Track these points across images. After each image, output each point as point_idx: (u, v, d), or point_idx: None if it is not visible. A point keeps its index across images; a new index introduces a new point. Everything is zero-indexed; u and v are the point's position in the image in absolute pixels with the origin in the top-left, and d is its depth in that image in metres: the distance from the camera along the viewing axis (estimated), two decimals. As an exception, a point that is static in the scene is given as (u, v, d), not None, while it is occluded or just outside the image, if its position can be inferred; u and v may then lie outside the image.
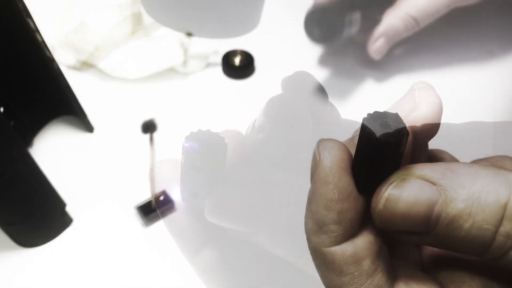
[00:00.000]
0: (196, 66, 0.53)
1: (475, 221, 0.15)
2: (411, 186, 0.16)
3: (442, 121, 0.21)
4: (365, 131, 0.16)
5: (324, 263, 0.17)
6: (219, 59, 0.54)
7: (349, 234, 0.17)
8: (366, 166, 0.17)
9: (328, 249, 0.17)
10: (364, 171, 0.17)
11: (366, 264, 0.17)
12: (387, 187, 0.16)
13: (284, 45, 0.58)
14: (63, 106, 0.46)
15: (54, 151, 0.46)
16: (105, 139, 0.47)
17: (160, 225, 0.41)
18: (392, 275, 0.17)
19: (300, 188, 0.19)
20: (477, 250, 0.16)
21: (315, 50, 0.57)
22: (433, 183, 0.16)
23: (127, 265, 0.39)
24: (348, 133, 0.21)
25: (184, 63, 0.52)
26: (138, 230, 0.41)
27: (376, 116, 0.16)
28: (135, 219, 0.42)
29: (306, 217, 0.17)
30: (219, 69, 0.54)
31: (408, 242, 0.19)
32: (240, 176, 0.20)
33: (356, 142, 0.17)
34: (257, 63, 0.55)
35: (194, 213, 0.22)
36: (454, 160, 0.22)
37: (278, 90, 0.23)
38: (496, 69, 0.56)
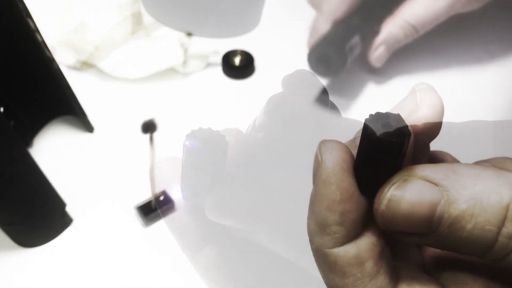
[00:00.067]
0: (196, 66, 0.53)
1: (477, 222, 0.15)
2: (413, 187, 0.16)
3: (443, 120, 0.21)
4: (367, 132, 0.16)
5: (326, 265, 0.17)
6: (219, 59, 0.54)
7: (352, 235, 0.17)
8: (368, 166, 0.17)
9: (330, 250, 0.17)
10: (366, 172, 0.17)
11: (369, 265, 0.17)
12: (389, 188, 0.16)
13: (284, 45, 0.58)
14: (63, 106, 0.46)
15: (54, 151, 0.46)
16: (105, 139, 0.47)
17: (160, 225, 0.41)
18: (395, 276, 0.17)
19: (300, 186, 0.19)
20: (479, 251, 0.16)
21: (315, 50, 0.57)
22: (435, 184, 0.16)
23: (127, 265, 0.39)
24: (348, 132, 0.21)
25: (184, 63, 0.52)
26: (138, 230, 0.41)
27: (378, 116, 0.16)
28: (135, 219, 0.42)
29: (309, 218, 0.17)
30: (219, 69, 0.54)
31: (411, 243, 0.19)
32: (241, 174, 0.20)
33: (358, 143, 0.17)
34: (257, 63, 0.55)
35: (194, 212, 0.22)
36: (455, 161, 0.22)
37: (278, 90, 0.23)
38: (496, 69, 0.56)
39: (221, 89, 0.53)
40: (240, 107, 0.50)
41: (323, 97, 0.22)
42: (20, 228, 0.38)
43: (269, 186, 0.20)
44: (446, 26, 0.52)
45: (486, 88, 0.54)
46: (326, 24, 0.51)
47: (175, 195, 0.23)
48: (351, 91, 0.53)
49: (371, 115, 0.16)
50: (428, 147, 0.21)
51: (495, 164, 0.20)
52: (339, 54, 0.48)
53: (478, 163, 0.21)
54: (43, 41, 0.40)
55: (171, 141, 0.35)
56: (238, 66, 0.54)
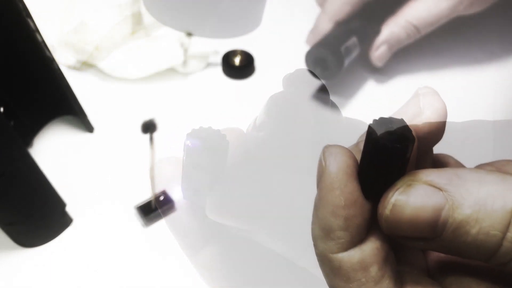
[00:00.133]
0: (196, 66, 0.53)
1: (481, 227, 0.15)
2: (417, 192, 0.16)
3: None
4: (371, 137, 0.16)
5: (331, 270, 0.17)
6: (219, 59, 0.54)
7: (356, 240, 0.17)
8: (372, 172, 0.17)
9: (335, 255, 0.17)
10: (370, 177, 0.17)
11: (374, 270, 0.17)
12: (394, 193, 0.16)
13: (284, 45, 0.58)
14: (63, 106, 0.46)
15: (54, 151, 0.46)
16: (105, 139, 0.47)
17: (160, 225, 0.41)
18: (399, 281, 0.17)
19: (301, 185, 0.19)
20: (483, 256, 0.16)
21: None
22: (440, 189, 0.16)
23: (127, 265, 0.39)
24: (349, 131, 0.21)
25: (184, 63, 0.52)
26: (138, 230, 0.41)
27: (382, 122, 0.16)
28: (135, 219, 0.42)
29: (313, 223, 0.17)
30: (219, 69, 0.54)
31: (415, 247, 0.19)
32: (242, 174, 0.20)
33: (361, 147, 0.17)
34: (257, 63, 0.55)
35: (195, 211, 0.22)
36: (459, 164, 0.22)
37: (279, 90, 0.23)
38: (496, 69, 0.56)
39: (221, 89, 0.53)
40: (240, 107, 0.50)
41: (324, 97, 0.22)
42: (20, 228, 0.38)
43: (270, 185, 0.20)
44: (446, 26, 0.52)
45: (486, 88, 0.54)
46: (328, 24, 0.51)
47: (175, 195, 0.23)
48: (353, 90, 0.53)
49: (375, 120, 0.16)
50: (432, 150, 0.21)
51: (499, 167, 0.20)
52: (335, 57, 0.48)
53: (481, 166, 0.21)
54: (43, 41, 0.40)
55: (171, 141, 0.35)
56: (238, 66, 0.54)
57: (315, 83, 0.22)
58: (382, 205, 0.17)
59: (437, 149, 0.22)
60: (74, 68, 0.53)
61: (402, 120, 0.16)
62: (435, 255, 0.20)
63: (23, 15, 0.38)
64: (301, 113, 0.21)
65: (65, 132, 0.48)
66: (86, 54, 0.52)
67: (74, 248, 0.40)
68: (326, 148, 0.17)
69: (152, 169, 0.37)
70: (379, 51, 0.51)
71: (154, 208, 0.41)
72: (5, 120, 0.34)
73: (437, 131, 0.19)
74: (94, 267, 0.39)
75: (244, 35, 0.58)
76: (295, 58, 0.56)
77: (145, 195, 0.42)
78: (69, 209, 0.41)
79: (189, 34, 0.53)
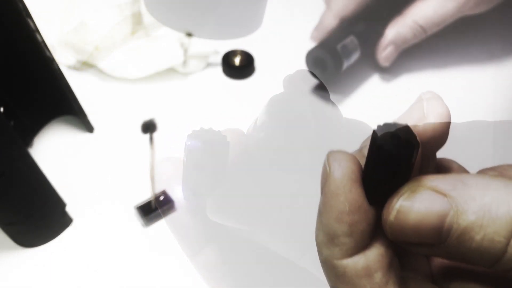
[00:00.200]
0: (196, 66, 0.53)
1: (486, 233, 0.15)
2: (422, 198, 0.16)
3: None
4: (375, 143, 0.16)
5: (335, 276, 0.17)
6: (219, 59, 0.54)
7: (361, 246, 0.17)
8: (377, 177, 0.17)
9: (339, 261, 0.17)
10: (374, 183, 0.17)
11: (378, 276, 0.17)
12: (398, 199, 0.16)
13: (284, 45, 0.58)
14: (63, 106, 0.46)
15: (54, 151, 0.46)
16: (105, 139, 0.47)
17: (160, 225, 0.41)
18: (403, 287, 0.17)
19: (302, 186, 0.19)
20: (488, 262, 0.16)
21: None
22: (444, 195, 0.16)
23: (127, 265, 0.39)
24: (349, 132, 0.21)
25: (184, 63, 0.52)
26: (138, 230, 0.41)
27: (386, 127, 0.16)
28: (135, 219, 0.42)
29: (317, 229, 0.17)
30: (219, 69, 0.54)
31: (419, 253, 0.19)
32: (242, 174, 0.20)
33: (365, 153, 0.17)
34: (257, 63, 0.55)
35: (195, 212, 0.22)
36: (462, 169, 0.22)
37: (278, 90, 0.23)
38: (496, 69, 0.56)
39: (221, 89, 0.53)
40: (240, 107, 0.50)
41: (324, 97, 0.22)
42: (20, 228, 0.38)
43: (270, 186, 0.20)
44: (446, 26, 0.52)
45: (486, 88, 0.54)
46: (333, 20, 0.51)
47: (175, 195, 0.23)
48: (356, 88, 0.53)
49: (379, 126, 0.16)
50: (435, 155, 0.21)
51: (502, 171, 0.20)
52: (332, 55, 0.48)
53: (484, 171, 0.21)
54: (43, 41, 0.40)
55: (171, 141, 0.35)
56: (238, 66, 0.54)
57: (316, 84, 0.22)
58: (387, 211, 0.17)
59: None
60: (74, 68, 0.53)
61: (406, 125, 0.16)
62: (439, 261, 0.20)
63: (23, 15, 0.38)
64: (301, 114, 0.21)
65: (65, 132, 0.48)
66: (86, 54, 0.51)
67: (74, 248, 0.40)
68: (330, 153, 0.17)
69: (152, 169, 0.37)
70: (386, 51, 0.51)
71: (154, 208, 0.41)
72: (5, 120, 0.34)
73: (441, 136, 0.19)
74: (94, 267, 0.39)
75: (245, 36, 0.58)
76: (295, 58, 0.56)
77: (145, 195, 0.41)
78: (69, 209, 0.41)
79: (189, 35, 0.53)
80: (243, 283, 0.23)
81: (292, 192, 0.20)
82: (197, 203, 0.21)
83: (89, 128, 0.48)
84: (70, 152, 0.46)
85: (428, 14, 0.50)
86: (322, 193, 0.17)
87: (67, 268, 0.39)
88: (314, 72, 0.53)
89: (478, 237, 0.15)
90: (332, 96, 0.21)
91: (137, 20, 0.54)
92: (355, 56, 0.50)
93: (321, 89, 0.22)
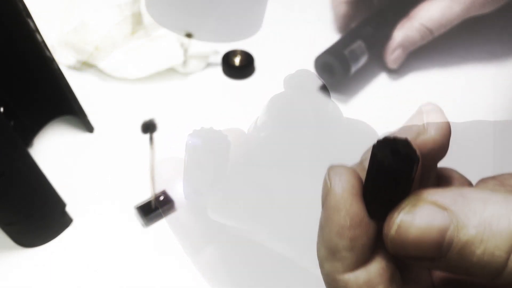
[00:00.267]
0: (196, 66, 0.53)
1: (486, 247, 0.15)
2: (422, 212, 0.16)
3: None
4: (376, 158, 0.16)
5: None
6: (219, 59, 0.54)
7: (362, 261, 0.17)
8: (377, 192, 0.17)
9: (341, 276, 0.17)
10: (375, 197, 0.17)
11: None
12: (399, 213, 0.16)
13: (284, 45, 0.58)
14: (63, 106, 0.46)
15: (54, 151, 0.46)
16: (105, 139, 0.47)
17: (160, 225, 0.41)
18: None
19: (302, 185, 0.19)
20: (489, 276, 0.16)
21: (314, 51, 0.57)
22: (445, 209, 0.16)
23: (127, 265, 0.39)
24: (350, 132, 0.21)
25: (184, 63, 0.52)
26: (138, 230, 0.41)
27: (386, 142, 0.16)
28: (135, 219, 0.42)
29: (318, 243, 0.18)
30: (219, 69, 0.54)
31: (420, 266, 0.19)
32: (243, 174, 0.20)
33: (365, 166, 0.17)
34: (257, 63, 0.55)
35: (196, 212, 0.22)
36: (463, 178, 0.22)
37: (279, 90, 0.23)
38: (496, 69, 0.56)
39: (221, 89, 0.53)
40: (240, 107, 0.50)
41: (325, 97, 0.22)
42: (20, 228, 0.38)
43: (271, 185, 0.20)
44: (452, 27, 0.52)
45: (486, 88, 0.54)
46: (344, 7, 0.53)
47: (175, 195, 0.23)
48: (362, 89, 0.53)
49: (379, 141, 0.16)
50: (436, 166, 0.21)
51: (502, 181, 0.20)
52: (340, 60, 0.49)
53: (484, 180, 0.21)
54: (43, 41, 0.40)
55: (171, 141, 0.35)
56: (238, 66, 0.54)
57: (317, 84, 0.22)
58: (388, 225, 0.17)
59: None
60: (74, 68, 0.53)
61: (406, 140, 0.16)
62: (440, 273, 0.20)
63: (23, 15, 0.38)
64: (302, 113, 0.21)
65: (65, 132, 0.48)
66: (86, 54, 0.51)
67: (74, 248, 0.40)
68: (331, 168, 0.17)
69: (152, 169, 0.37)
70: (394, 54, 0.52)
71: (154, 208, 0.41)
72: (5, 120, 0.34)
73: (441, 148, 0.19)
74: (94, 267, 0.39)
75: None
76: (295, 58, 0.56)
77: (145, 195, 0.41)
78: (69, 209, 0.41)
79: (189, 35, 0.53)
80: (244, 283, 0.23)
81: (292, 192, 0.20)
82: (198, 203, 0.21)
83: (89, 128, 0.48)
84: (70, 152, 0.46)
85: (435, 16, 0.50)
86: (323, 207, 0.17)
87: (67, 268, 0.39)
88: (323, 77, 0.54)
89: (478, 251, 0.15)
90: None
91: (137, 20, 0.54)
92: (363, 60, 0.51)
93: (322, 88, 0.22)
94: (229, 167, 0.20)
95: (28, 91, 0.44)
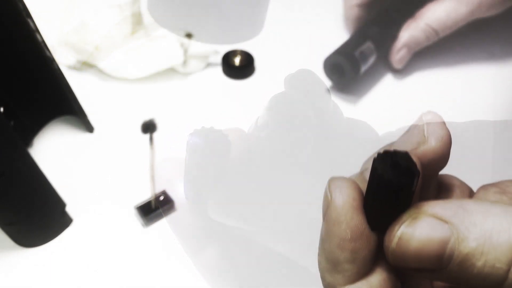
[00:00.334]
0: (196, 66, 0.53)
1: (487, 260, 0.15)
2: (423, 225, 0.16)
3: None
4: (376, 172, 0.16)
5: None
6: (219, 59, 0.54)
7: (363, 273, 0.17)
8: (378, 205, 0.17)
9: None
10: (376, 209, 0.17)
11: None
12: (400, 226, 0.17)
13: (284, 45, 0.58)
14: (63, 106, 0.46)
15: (54, 151, 0.46)
16: (105, 139, 0.47)
17: (160, 225, 0.41)
18: None
19: (303, 185, 0.19)
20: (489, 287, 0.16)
21: (314, 50, 0.57)
22: (445, 221, 0.16)
23: (127, 265, 0.39)
24: (350, 132, 0.21)
25: (184, 63, 0.52)
26: (138, 230, 0.41)
27: (386, 155, 0.16)
28: (135, 219, 0.42)
29: (319, 255, 0.18)
30: (219, 69, 0.54)
31: (421, 278, 0.19)
32: (243, 174, 0.21)
33: (366, 176, 0.17)
34: (257, 63, 0.55)
35: (196, 212, 0.22)
36: (463, 185, 0.22)
37: (279, 90, 0.23)
38: (496, 69, 0.56)
39: (221, 89, 0.53)
40: (240, 107, 0.50)
41: (325, 97, 0.22)
42: (20, 228, 0.38)
43: (271, 185, 0.20)
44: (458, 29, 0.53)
45: (486, 88, 0.54)
46: (353, 10, 0.54)
47: (176, 195, 0.23)
48: (370, 89, 0.54)
49: (379, 154, 0.16)
50: (437, 175, 0.21)
51: (503, 188, 0.20)
52: (350, 61, 0.49)
53: (485, 187, 0.21)
54: (43, 41, 0.40)
55: (171, 141, 0.35)
56: (238, 66, 0.54)
57: (317, 84, 0.22)
58: (388, 238, 0.17)
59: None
60: (74, 68, 0.53)
61: (406, 153, 0.16)
62: (441, 284, 0.20)
63: (23, 15, 0.38)
64: (302, 113, 0.21)
65: (65, 132, 0.48)
66: (86, 54, 0.51)
67: (74, 248, 0.40)
68: (332, 180, 0.17)
69: (152, 169, 0.37)
70: (400, 54, 0.52)
71: (154, 208, 0.41)
72: (5, 120, 0.34)
73: (441, 158, 0.20)
74: (94, 267, 0.39)
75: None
76: (295, 58, 0.56)
77: (145, 195, 0.42)
78: (69, 209, 0.41)
79: (189, 36, 0.53)
80: (245, 283, 0.23)
81: (293, 191, 0.20)
82: (199, 202, 0.21)
83: (89, 128, 0.48)
84: (70, 152, 0.46)
85: (441, 17, 0.51)
86: (324, 220, 0.17)
87: (67, 268, 0.39)
88: (332, 78, 0.55)
89: (479, 263, 0.16)
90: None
91: (137, 20, 0.54)
92: (372, 60, 0.51)
93: (322, 89, 0.22)
94: (230, 167, 0.20)
95: (28, 91, 0.44)
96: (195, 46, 0.53)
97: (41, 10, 0.47)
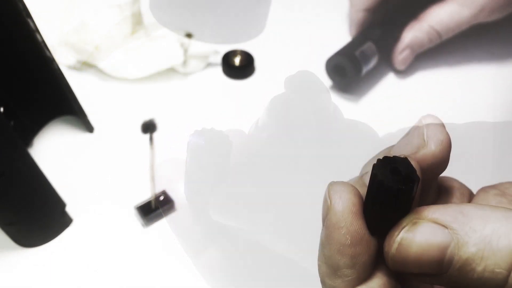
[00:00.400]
0: (196, 66, 0.53)
1: (487, 265, 0.16)
2: (423, 230, 0.16)
3: (443, 121, 0.21)
4: (376, 179, 0.16)
5: None
6: (219, 59, 0.54)
7: (363, 277, 0.17)
8: (378, 210, 0.17)
9: None
10: (375, 215, 0.17)
11: None
12: (400, 231, 0.17)
13: (284, 45, 0.58)
14: (63, 106, 0.46)
15: (54, 151, 0.46)
16: (105, 139, 0.47)
17: (160, 225, 0.41)
18: None
19: (303, 186, 0.19)
20: None
21: (314, 50, 0.57)
22: (445, 227, 0.16)
23: (127, 265, 0.39)
24: (350, 133, 0.21)
25: (184, 63, 0.52)
26: (138, 230, 0.41)
27: (386, 162, 0.16)
28: (135, 219, 0.42)
29: (319, 260, 0.18)
30: (219, 69, 0.54)
31: (422, 283, 0.19)
32: (244, 174, 0.21)
33: (365, 180, 0.17)
34: (257, 63, 0.55)
35: (197, 212, 0.22)
36: (463, 187, 0.22)
37: (278, 91, 0.23)
38: (496, 69, 0.56)
39: (221, 89, 0.53)
40: (240, 107, 0.50)
41: (325, 98, 0.22)
42: (20, 228, 0.38)
43: (272, 186, 0.20)
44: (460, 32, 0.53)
45: (486, 88, 0.54)
46: (359, 14, 0.54)
47: (176, 195, 0.23)
48: (371, 90, 0.54)
49: (379, 160, 0.16)
50: (436, 179, 0.21)
51: (503, 190, 0.20)
52: (351, 61, 0.49)
53: (485, 189, 0.21)
54: (43, 41, 0.40)
55: (171, 141, 0.35)
56: (238, 66, 0.54)
57: (317, 85, 0.22)
58: (388, 243, 0.17)
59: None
60: (74, 68, 0.53)
61: (406, 159, 0.16)
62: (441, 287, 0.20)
63: (23, 15, 0.38)
64: (303, 114, 0.21)
65: (65, 132, 0.48)
66: (86, 54, 0.51)
67: (74, 248, 0.40)
68: (331, 185, 0.17)
69: (152, 169, 0.37)
70: (402, 55, 0.52)
71: (154, 208, 0.41)
72: (5, 120, 0.34)
73: (441, 162, 0.20)
74: (94, 267, 0.39)
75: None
76: (295, 58, 0.56)
77: (145, 195, 0.42)
78: (69, 209, 0.41)
79: (189, 35, 0.53)
80: (245, 283, 0.23)
81: (293, 191, 0.20)
82: (199, 203, 0.21)
83: (89, 128, 0.48)
84: (70, 152, 0.46)
85: (444, 19, 0.51)
86: (323, 225, 0.18)
87: (67, 268, 0.39)
88: (334, 79, 0.56)
89: (479, 268, 0.16)
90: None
91: (137, 20, 0.54)
92: (374, 61, 0.51)
93: (323, 90, 0.22)
94: (231, 168, 0.20)
95: (28, 91, 0.44)
96: (195, 46, 0.53)
97: (41, 10, 0.47)
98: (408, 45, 0.52)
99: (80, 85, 0.47)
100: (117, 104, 0.50)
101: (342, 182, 0.18)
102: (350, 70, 0.49)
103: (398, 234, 0.17)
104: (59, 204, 0.40)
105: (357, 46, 0.50)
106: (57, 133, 0.47)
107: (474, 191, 0.23)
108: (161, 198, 0.41)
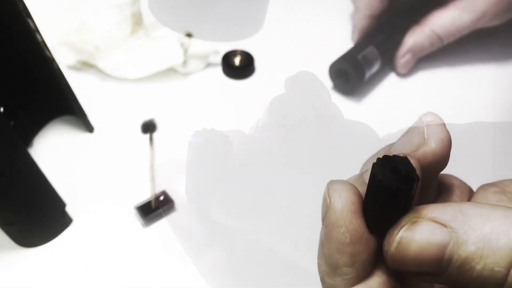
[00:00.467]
0: (196, 66, 0.53)
1: (486, 263, 0.16)
2: (422, 229, 0.16)
3: (443, 120, 0.21)
4: (375, 178, 0.16)
5: None
6: (219, 59, 0.54)
7: (363, 276, 0.17)
8: (377, 209, 0.17)
9: None
10: (375, 214, 0.17)
11: None
12: (399, 230, 0.17)
13: (284, 45, 0.58)
14: (63, 106, 0.46)
15: (54, 151, 0.46)
16: (105, 139, 0.47)
17: (160, 225, 0.41)
18: None
19: (304, 186, 0.19)
20: None
21: (314, 51, 0.57)
22: (444, 225, 0.16)
23: (127, 265, 0.39)
24: (350, 133, 0.21)
25: (184, 63, 0.52)
26: (138, 230, 0.41)
27: (385, 161, 0.16)
28: (135, 219, 0.42)
29: (319, 258, 0.18)
30: (219, 69, 0.54)
31: (421, 281, 0.19)
32: (244, 175, 0.21)
33: (365, 178, 0.17)
34: (257, 63, 0.55)
35: (197, 213, 0.22)
36: (463, 185, 0.22)
37: (278, 91, 0.23)
38: (496, 69, 0.56)
39: (221, 89, 0.53)
40: (240, 107, 0.50)
41: (326, 99, 0.22)
42: (20, 228, 0.38)
43: (272, 186, 0.20)
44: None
45: (486, 88, 0.54)
46: (363, 21, 0.54)
47: (176, 195, 0.23)
48: (373, 91, 0.54)
49: (379, 159, 0.16)
50: (436, 177, 0.21)
51: (503, 188, 0.20)
52: (354, 65, 0.50)
53: (485, 187, 0.21)
54: (43, 41, 0.40)
55: (171, 141, 0.35)
56: (238, 66, 0.54)
57: (317, 85, 0.22)
58: (388, 242, 0.17)
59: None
60: (74, 68, 0.53)
61: (406, 158, 0.16)
62: (441, 286, 0.20)
63: (23, 15, 0.38)
64: (303, 115, 0.21)
65: (65, 132, 0.48)
66: (86, 54, 0.51)
67: (74, 248, 0.40)
68: (330, 184, 0.17)
69: (152, 169, 0.37)
70: (404, 59, 0.53)
71: (154, 208, 0.41)
72: (5, 120, 0.34)
73: (441, 160, 0.20)
74: (94, 267, 0.39)
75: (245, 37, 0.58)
76: (295, 58, 0.56)
77: (145, 195, 0.42)
78: (69, 209, 0.41)
79: (189, 35, 0.53)
80: (245, 284, 0.23)
81: (294, 192, 0.20)
82: (200, 203, 0.21)
83: (89, 128, 0.48)
84: (70, 152, 0.46)
85: (445, 24, 0.52)
86: (323, 224, 0.18)
87: (67, 268, 0.39)
88: (338, 83, 0.56)
89: (478, 267, 0.16)
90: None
91: (137, 20, 0.54)
92: (377, 66, 0.52)
93: (323, 90, 0.22)
94: (231, 168, 0.20)
95: (28, 91, 0.44)
96: (195, 46, 0.53)
97: (41, 10, 0.47)
98: (409, 49, 0.53)
99: (80, 85, 0.47)
100: (117, 104, 0.50)
101: (342, 181, 0.18)
102: (353, 74, 0.50)
103: (397, 233, 0.17)
104: (59, 204, 0.40)
105: (359, 51, 0.51)
106: (57, 133, 0.47)
107: (474, 190, 0.23)
108: (161, 198, 0.41)
